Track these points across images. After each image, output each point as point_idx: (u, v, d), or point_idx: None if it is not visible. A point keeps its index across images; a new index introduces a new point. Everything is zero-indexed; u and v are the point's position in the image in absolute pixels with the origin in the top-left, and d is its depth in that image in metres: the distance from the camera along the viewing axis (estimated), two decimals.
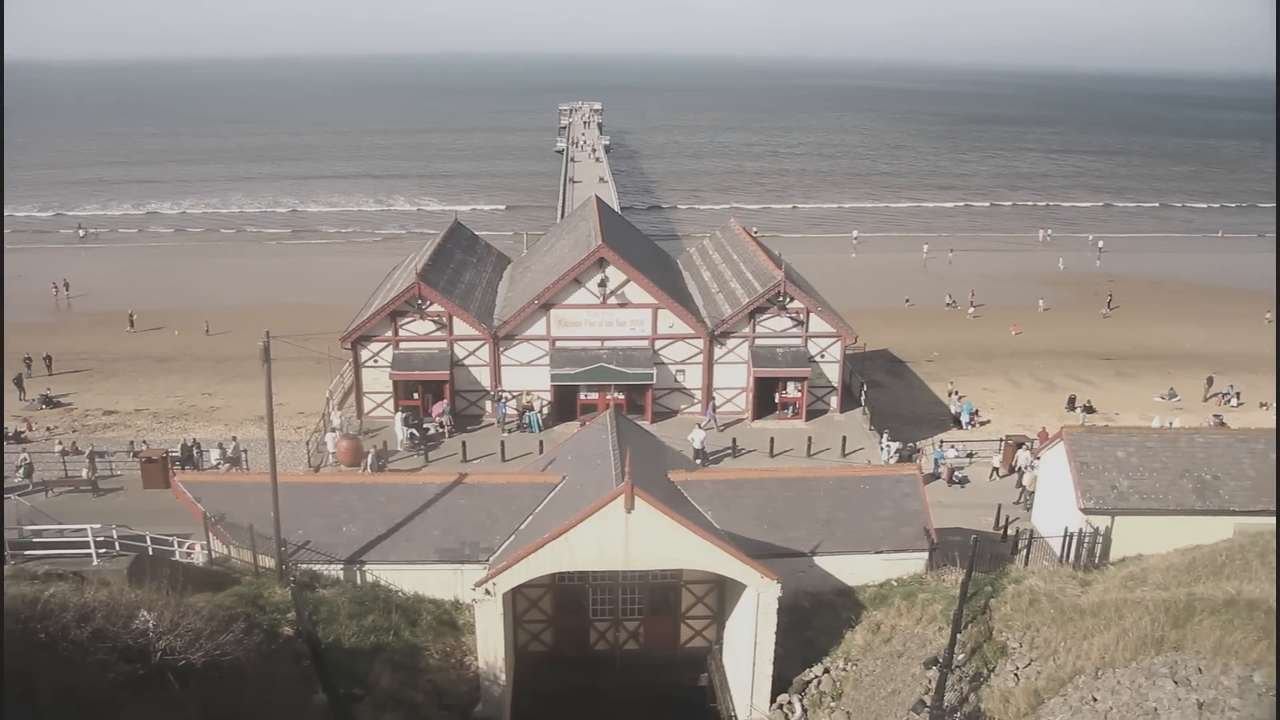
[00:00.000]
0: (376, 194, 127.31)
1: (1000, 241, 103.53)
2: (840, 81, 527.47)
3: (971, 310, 72.46)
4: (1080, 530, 28.53)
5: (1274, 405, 52.59)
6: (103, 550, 21.81)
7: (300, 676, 18.07)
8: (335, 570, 24.19)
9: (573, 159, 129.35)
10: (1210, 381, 55.53)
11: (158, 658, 13.49)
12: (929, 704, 15.28)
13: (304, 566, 23.89)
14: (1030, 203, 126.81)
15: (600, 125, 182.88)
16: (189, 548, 25.71)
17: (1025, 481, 37.99)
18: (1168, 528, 27.66)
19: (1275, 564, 17.18)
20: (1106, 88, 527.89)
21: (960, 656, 18.51)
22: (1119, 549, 28.45)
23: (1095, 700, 14.68)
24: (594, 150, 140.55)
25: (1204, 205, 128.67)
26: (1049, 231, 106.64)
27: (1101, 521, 29.27)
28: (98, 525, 21.89)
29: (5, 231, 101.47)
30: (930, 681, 17.37)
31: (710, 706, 24.45)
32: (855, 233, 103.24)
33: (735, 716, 22.59)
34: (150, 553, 23.45)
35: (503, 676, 21.57)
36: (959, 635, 19.22)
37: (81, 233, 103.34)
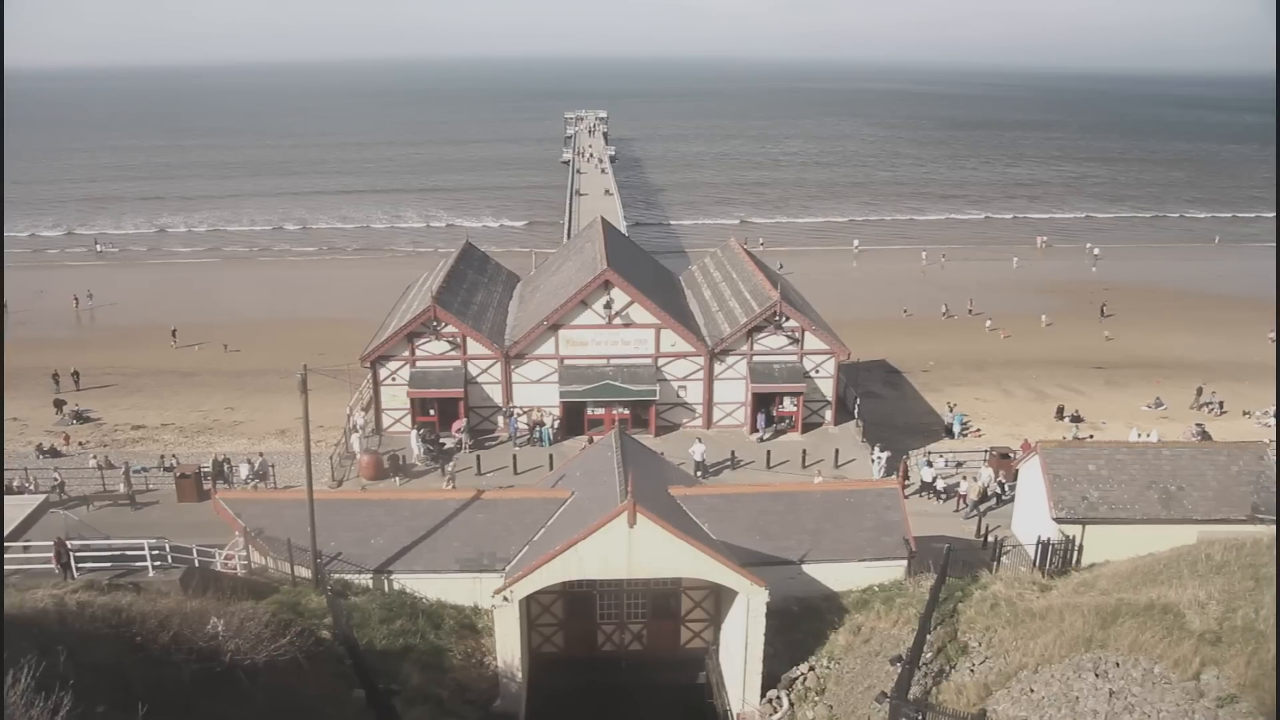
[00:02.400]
0: (385, 208, 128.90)
1: (998, 250, 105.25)
2: (843, 84, 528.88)
3: (989, 322, 73.37)
4: (1049, 538, 30.67)
5: (1256, 414, 54.57)
6: (157, 563, 24.13)
7: (340, 675, 20.36)
8: (365, 579, 26.45)
9: (579, 170, 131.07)
10: (1200, 392, 57.22)
11: (228, 658, 15.78)
12: (889, 695, 17.52)
13: (336, 576, 26.14)
14: (1029, 215, 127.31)
15: (605, 134, 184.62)
16: (227, 558, 27.98)
17: (963, 490, 39.88)
18: (1135, 536, 29.75)
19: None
20: (1108, 87, 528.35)
21: (928, 655, 20.75)
22: (1090, 555, 30.60)
23: (1032, 691, 16.93)
24: (600, 161, 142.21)
25: (1202, 215, 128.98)
26: (1046, 239, 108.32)
27: (1073, 530, 31.47)
28: (152, 540, 24.19)
29: (25, 250, 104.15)
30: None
31: (708, 702, 26.66)
32: (856, 242, 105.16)
33: (730, 710, 24.83)
34: (196, 564, 25.78)
35: (519, 675, 23.84)
36: (929, 635, 21.48)
37: (99, 248, 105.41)
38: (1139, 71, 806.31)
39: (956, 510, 39.16)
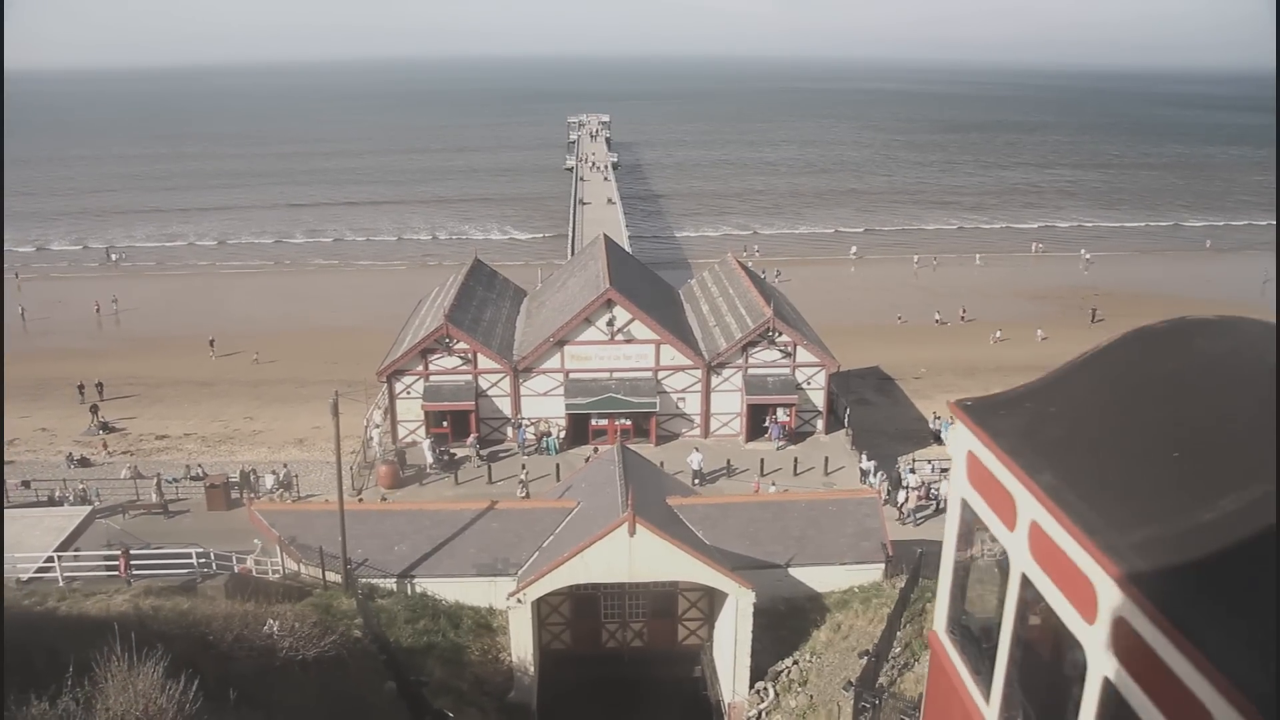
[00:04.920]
0: (391, 218, 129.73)
1: (992, 256, 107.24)
2: (841, 84, 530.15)
3: (998, 333, 74.05)
4: None
5: None
6: (204, 569, 26.71)
7: (373, 670, 22.91)
8: (390, 583, 28.97)
9: (582, 178, 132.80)
10: None
11: (283, 654, 18.31)
12: (854, 683, 20.00)
13: (364, 580, 28.67)
14: (1026, 224, 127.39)
15: (608, 140, 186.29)
16: (253, 562, 30.31)
17: (900, 499, 42.34)
18: None
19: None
20: (1108, 85, 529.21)
21: (897, 649, 23.27)
22: None
23: None
24: (603, 169, 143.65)
25: (1194, 220, 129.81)
26: (1042, 245, 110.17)
27: None
28: (199, 548, 26.76)
29: (41, 263, 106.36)
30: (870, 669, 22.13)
31: (703, 694, 29.24)
32: (854, 249, 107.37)
33: (722, 701, 27.37)
34: (236, 570, 28.36)
35: (531, 669, 26.37)
36: (898, 632, 23.99)
37: (114, 257, 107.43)
38: (1141, 68, 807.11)
39: (897, 518, 41.57)
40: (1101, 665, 6.45)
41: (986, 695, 8.09)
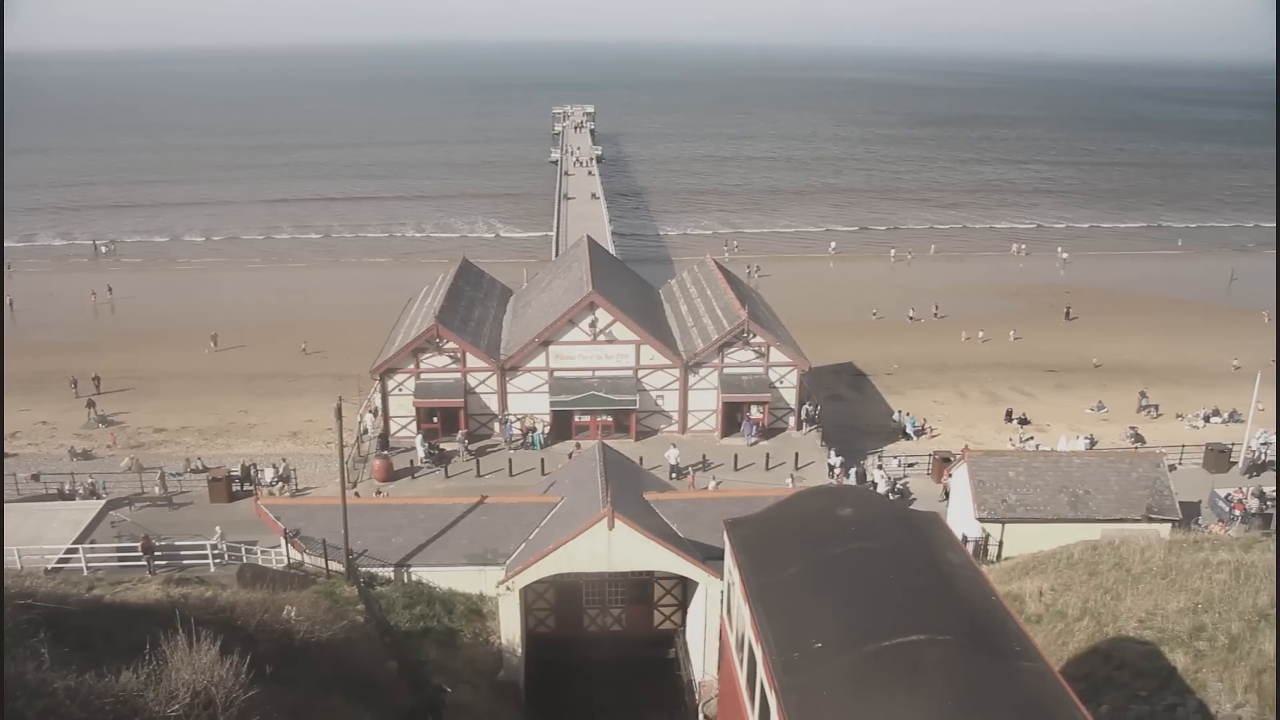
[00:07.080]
0: (379, 214, 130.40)
1: (968, 253, 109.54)
2: (822, 73, 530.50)
3: (981, 334, 75.42)
4: (967, 534, 35.79)
5: (1188, 416, 59.62)
6: (216, 559, 28.94)
7: (375, 651, 25.19)
8: (387, 572, 31.20)
9: (566, 173, 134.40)
10: (1142, 395, 61.93)
11: (300, 637, 20.57)
12: None
13: (364, 570, 30.90)
14: (1002, 224, 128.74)
15: (593, 132, 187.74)
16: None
17: None
18: (1047, 533, 34.87)
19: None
20: (1089, 77, 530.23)
21: None
22: (1009, 550, 35.77)
23: None
24: (588, 163, 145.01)
25: (1169, 218, 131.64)
26: (1024, 246, 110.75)
27: (994, 528, 36.62)
28: (214, 540, 28.96)
29: (32, 259, 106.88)
30: None
31: (676, 674, 31.72)
32: (833, 245, 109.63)
33: (694, 680, 29.85)
34: (245, 560, 30.58)
35: (519, 651, 28.71)
36: None
37: (102, 249, 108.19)
38: (1127, 60, 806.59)
39: None
40: (749, 637, 16.07)
41: (736, 651, 18.02)
